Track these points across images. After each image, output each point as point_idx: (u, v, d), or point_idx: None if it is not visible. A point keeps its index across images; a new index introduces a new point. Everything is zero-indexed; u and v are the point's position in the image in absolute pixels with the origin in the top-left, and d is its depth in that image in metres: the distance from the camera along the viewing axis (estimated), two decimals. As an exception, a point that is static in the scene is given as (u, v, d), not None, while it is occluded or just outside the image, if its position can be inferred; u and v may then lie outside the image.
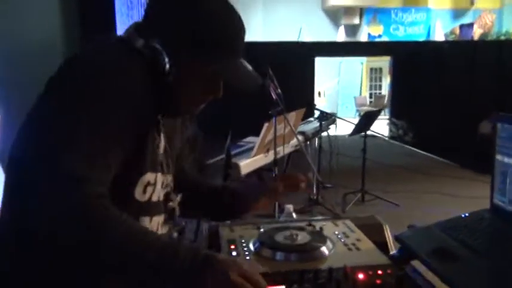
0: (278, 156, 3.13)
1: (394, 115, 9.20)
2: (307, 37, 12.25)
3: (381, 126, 9.75)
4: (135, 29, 0.94)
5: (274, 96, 2.56)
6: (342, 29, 14.73)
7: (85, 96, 0.81)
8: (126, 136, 0.84)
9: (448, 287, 0.87)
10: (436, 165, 6.94)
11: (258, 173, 3.94)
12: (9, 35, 3.57)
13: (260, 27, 13.52)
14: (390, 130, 9.24)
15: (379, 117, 5.33)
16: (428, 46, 9.87)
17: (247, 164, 3.02)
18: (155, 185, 0.96)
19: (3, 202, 0.90)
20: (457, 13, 14.29)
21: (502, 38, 12.51)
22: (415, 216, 3.71)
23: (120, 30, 2.77)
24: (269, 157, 3.19)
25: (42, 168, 0.76)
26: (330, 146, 4.69)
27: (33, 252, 0.86)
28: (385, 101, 13.15)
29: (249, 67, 0.99)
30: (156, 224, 1.00)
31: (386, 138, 8.08)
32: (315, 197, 4.34)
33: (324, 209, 4.34)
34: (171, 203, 1.05)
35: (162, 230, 1.04)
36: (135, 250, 0.77)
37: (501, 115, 1.04)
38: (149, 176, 0.94)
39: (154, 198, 0.97)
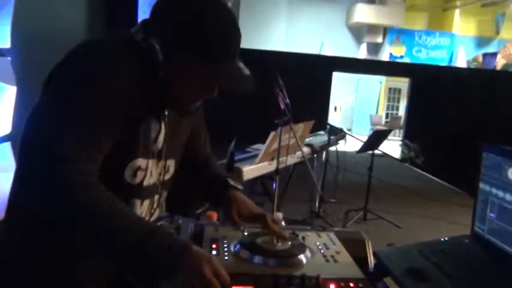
0: (282, 166, 3.15)
1: (408, 137, 9.15)
2: (329, 51, 12.29)
3: (393, 147, 9.71)
4: (142, 25, 1.00)
5: (282, 106, 2.59)
6: (364, 46, 14.74)
7: (77, 84, 0.88)
8: (115, 122, 0.90)
9: (415, 306, 0.89)
10: (444, 192, 6.87)
11: (261, 180, 3.98)
12: (35, 21, 3.68)
13: (282, 38, 13.60)
14: (402, 151, 9.18)
15: (392, 137, 5.32)
16: (449, 71, 9.82)
17: (250, 170, 3.04)
18: (146, 170, 1.01)
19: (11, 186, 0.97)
20: (482, 41, 14.19)
21: (526, 70, 12.39)
22: (415, 240, 3.68)
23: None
24: (273, 165, 3.21)
25: (36, 150, 0.84)
26: (337, 162, 4.70)
27: (27, 232, 0.94)
28: (401, 122, 13.08)
29: (245, 70, 1.02)
30: (146, 207, 1.06)
31: (396, 159, 8.02)
32: (317, 210, 4.34)
33: (324, 223, 4.34)
34: (157, 196, 1.10)
35: (154, 214, 1.10)
36: (114, 229, 0.83)
37: (487, 145, 1.06)
38: (140, 162, 0.99)
39: (146, 183, 1.03)
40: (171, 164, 1.13)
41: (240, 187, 1.27)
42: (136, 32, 0.97)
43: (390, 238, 1.16)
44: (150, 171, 1.04)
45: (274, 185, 3.05)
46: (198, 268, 0.83)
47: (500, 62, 13.33)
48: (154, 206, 1.10)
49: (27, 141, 0.88)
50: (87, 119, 0.86)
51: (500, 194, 1.01)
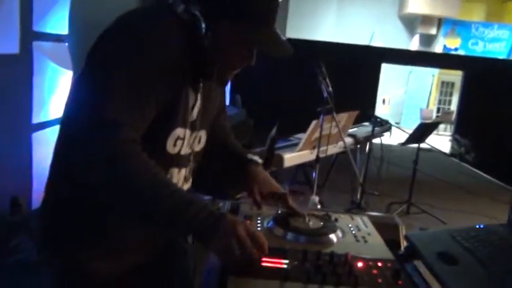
0: (323, 155, 3.16)
1: (459, 132, 8.82)
2: (379, 42, 12.00)
3: (443, 142, 9.40)
4: None
5: (324, 94, 2.59)
6: (416, 37, 14.26)
7: (124, 52, 0.93)
8: (159, 91, 0.95)
9: (442, 287, 0.90)
10: (493, 188, 6.60)
11: (303, 169, 4.00)
12: (92, 8, 3.85)
13: (332, 28, 13.40)
14: (452, 147, 8.88)
15: (443, 132, 5.15)
16: (505, 64, 9.34)
17: (291, 158, 3.08)
18: (184, 139, 1.07)
19: (54, 154, 1.05)
20: (544, 33, 13.36)
21: None
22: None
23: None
24: (314, 154, 3.22)
25: (85, 115, 0.89)
26: (381, 153, 4.63)
27: (72, 196, 1.01)
28: (453, 117, 12.62)
29: (282, 36, 1.06)
30: (182, 176, 1.12)
31: (445, 153, 7.77)
32: (358, 201, 4.31)
33: (366, 215, 4.30)
34: (190, 163, 1.15)
35: (187, 184, 1.16)
36: (156, 196, 0.88)
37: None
38: (179, 131, 1.04)
39: (183, 152, 1.08)
40: (203, 134, 1.17)
41: (260, 161, 1.28)
42: (176, 3, 1.01)
43: None
44: (187, 140, 1.09)
45: (313, 174, 3.07)
46: (233, 230, 0.88)
47: None
48: (189, 174, 1.16)
49: (74, 107, 0.94)
50: (133, 86, 0.90)
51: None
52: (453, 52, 13.36)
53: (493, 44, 13.63)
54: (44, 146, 3.26)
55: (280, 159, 2.93)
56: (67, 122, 0.99)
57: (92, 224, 1.02)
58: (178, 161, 1.08)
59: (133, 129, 0.90)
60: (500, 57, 12.83)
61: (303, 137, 3.22)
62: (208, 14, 0.99)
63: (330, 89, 2.59)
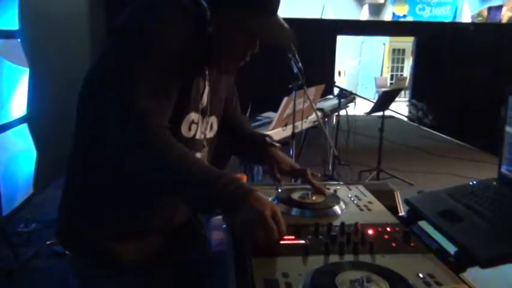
0: (296, 130, 3.19)
1: (415, 97, 9.11)
2: (330, 15, 12.09)
3: (401, 108, 9.68)
4: None
5: (295, 70, 2.60)
6: (366, 7, 14.50)
7: (142, 45, 0.95)
8: (178, 78, 0.99)
9: (452, 244, 0.94)
10: (454, 148, 6.91)
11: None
12: (41, 2, 3.67)
13: (282, 3, 13.37)
14: (410, 112, 9.16)
15: (399, 98, 5.31)
16: (454, 28, 9.67)
17: (265, 136, 3.08)
18: (198, 123, 1.10)
19: (76, 136, 1.09)
20: (486, -6, 13.88)
21: (531, 22, 12.14)
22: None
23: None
24: (287, 131, 3.25)
25: (117, 103, 0.93)
26: (347, 124, 4.74)
27: (98, 179, 1.06)
28: (406, 83, 12.99)
29: (284, 23, 1.09)
30: None
31: (405, 118, 8.03)
32: (331, 173, 4.40)
33: (338, 185, 4.40)
34: (205, 148, 1.18)
35: None
36: (190, 172, 0.92)
37: (511, 88, 1.09)
38: (193, 115, 1.08)
39: (198, 136, 1.12)
40: (214, 121, 1.20)
41: (278, 145, 1.34)
42: None
43: (405, 195, 1.21)
44: (201, 125, 1.12)
45: (291, 151, 3.10)
46: (261, 210, 0.89)
47: (505, 15, 13.06)
48: (204, 157, 1.18)
49: (100, 102, 0.96)
50: (155, 75, 0.94)
51: (528, 135, 1.04)
52: (402, 19, 13.69)
53: (438, 8, 14.06)
54: (7, 149, 3.12)
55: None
56: (90, 116, 1.03)
57: (115, 207, 1.07)
58: (193, 145, 1.10)
59: (162, 115, 0.95)
60: (447, 20, 13.26)
61: (271, 116, 3.23)
62: (212, 3, 1.00)
63: (300, 64, 2.60)
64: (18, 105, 3.21)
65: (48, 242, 2.95)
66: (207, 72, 1.11)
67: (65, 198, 1.14)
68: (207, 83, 1.12)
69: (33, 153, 3.42)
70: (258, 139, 1.33)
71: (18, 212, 3.21)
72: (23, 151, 3.34)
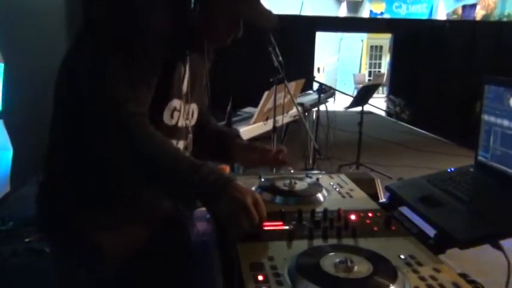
0: (277, 125, 3.20)
1: (392, 92, 9.25)
2: (309, 11, 12.16)
3: (379, 103, 9.80)
4: None
5: (275, 64, 2.61)
6: (344, 5, 14.62)
7: (119, 27, 0.93)
8: (157, 63, 0.97)
9: (432, 227, 0.97)
10: (431, 143, 7.04)
11: (257, 140, 4.04)
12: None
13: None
14: (387, 107, 9.30)
15: (377, 94, 5.38)
16: (430, 25, 9.84)
17: (246, 131, 3.09)
18: (180, 111, 1.09)
19: (52, 125, 1.06)
20: (461, -7, 14.16)
21: (504, 19, 12.45)
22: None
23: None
24: (268, 125, 3.26)
25: (93, 93, 0.91)
26: (327, 120, 4.78)
27: (81, 165, 1.02)
28: (384, 79, 13.15)
29: (267, 7, 1.08)
30: (181, 148, 1.13)
31: (383, 114, 8.16)
32: (311, 167, 4.44)
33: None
34: (190, 135, 1.16)
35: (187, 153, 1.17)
36: (168, 162, 0.91)
37: (488, 77, 1.12)
38: (175, 102, 1.06)
39: (180, 124, 1.10)
40: (195, 108, 1.19)
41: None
42: None
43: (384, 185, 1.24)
44: (183, 112, 1.10)
45: (272, 145, 3.12)
46: (242, 198, 0.90)
47: (479, 13, 13.36)
48: (189, 145, 1.17)
49: (76, 90, 0.93)
50: (132, 61, 0.92)
51: (503, 122, 1.08)
52: (379, 16, 13.86)
53: (415, 6, 14.28)
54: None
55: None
56: (67, 105, 0.99)
57: (96, 196, 1.05)
58: (175, 132, 1.09)
59: (139, 103, 0.93)
60: (423, 17, 13.48)
61: (251, 110, 3.24)
62: None
63: (280, 58, 2.61)
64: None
65: (26, 240, 2.90)
66: (187, 57, 1.09)
67: (44, 188, 1.11)
68: (187, 68, 1.10)
69: (10, 151, 3.35)
70: (229, 133, 1.34)
71: (-5, 210, 3.14)
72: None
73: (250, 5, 1.05)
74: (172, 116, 1.06)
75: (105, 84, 0.90)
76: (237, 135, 1.32)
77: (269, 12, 1.09)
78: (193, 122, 1.19)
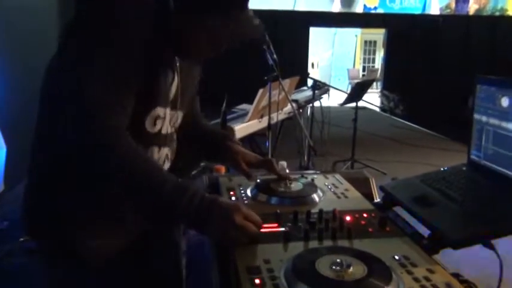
0: (272, 122, 3.20)
1: (386, 88, 9.28)
2: (303, 7, 12.14)
3: (373, 99, 9.84)
4: None
5: (270, 62, 2.61)
6: (337, 0, 14.59)
7: (101, 34, 0.90)
8: (140, 70, 0.93)
9: (426, 227, 0.98)
10: (425, 138, 7.08)
11: (249, 140, 4.04)
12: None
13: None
14: (382, 102, 9.34)
15: (372, 90, 5.40)
16: (423, 20, 9.87)
17: (241, 129, 3.10)
18: (164, 118, 1.06)
19: (36, 126, 1.02)
20: (454, -13, 14.17)
21: (497, 14, 12.51)
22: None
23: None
24: (263, 123, 3.27)
25: (70, 99, 0.87)
26: (322, 116, 4.79)
27: (59, 177, 0.98)
28: (378, 75, 13.18)
29: (255, 19, 1.05)
30: (163, 154, 1.11)
31: (378, 109, 8.18)
32: (306, 164, 4.45)
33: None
34: (174, 142, 1.15)
35: (168, 163, 1.15)
36: (150, 183, 0.88)
37: (480, 76, 1.14)
38: (159, 110, 1.03)
39: (164, 131, 1.07)
40: (180, 115, 1.15)
41: (239, 143, 1.33)
42: None
43: (379, 183, 1.26)
44: (168, 119, 1.07)
45: (266, 143, 3.12)
46: (228, 217, 0.89)
47: (472, 7, 13.40)
48: (172, 154, 1.15)
49: (59, 95, 0.90)
50: (115, 69, 0.89)
51: (495, 121, 1.09)
52: (373, 11, 13.86)
53: (408, 1, 14.28)
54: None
55: (232, 131, 2.95)
56: (50, 114, 0.96)
57: (81, 204, 1.00)
58: (158, 139, 1.06)
59: (119, 113, 0.89)
60: (417, 12, 13.50)
61: (247, 108, 3.24)
62: (178, 6, 0.96)
63: (275, 56, 2.61)
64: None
65: (21, 239, 2.89)
66: (177, 64, 1.07)
67: (27, 191, 1.07)
68: (176, 75, 1.07)
69: (3, 149, 3.34)
70: (219, 134, 1.32)
71: (-11, 210, 3.13)
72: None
73: (233, 21, 1.00)
74: (155, 124, 1.03)
75: (88, 88, 0.86)
76: (229, 137, 1.31)
77: (255, 25, 1.04)
78: (177, 125, 1.16)
